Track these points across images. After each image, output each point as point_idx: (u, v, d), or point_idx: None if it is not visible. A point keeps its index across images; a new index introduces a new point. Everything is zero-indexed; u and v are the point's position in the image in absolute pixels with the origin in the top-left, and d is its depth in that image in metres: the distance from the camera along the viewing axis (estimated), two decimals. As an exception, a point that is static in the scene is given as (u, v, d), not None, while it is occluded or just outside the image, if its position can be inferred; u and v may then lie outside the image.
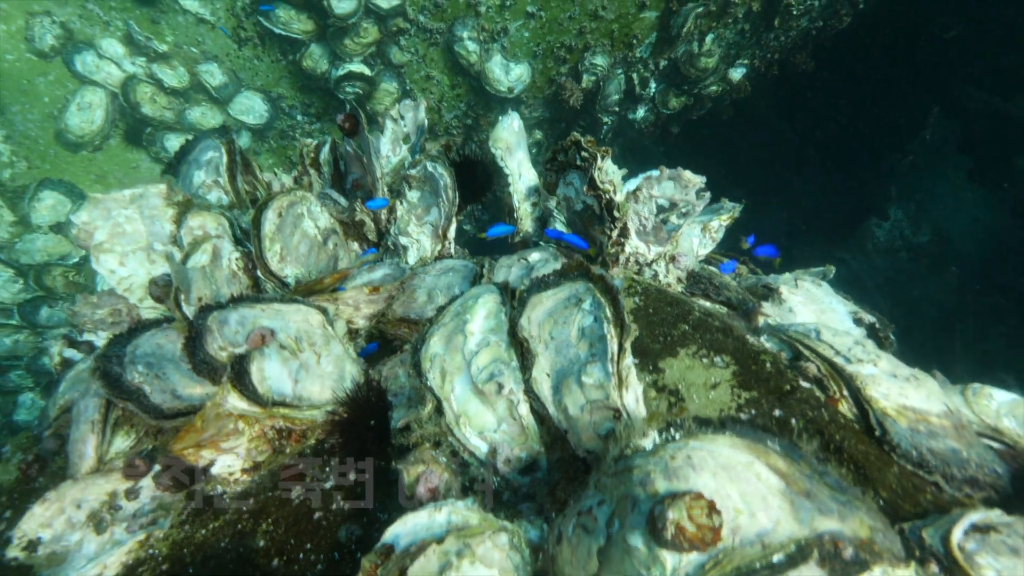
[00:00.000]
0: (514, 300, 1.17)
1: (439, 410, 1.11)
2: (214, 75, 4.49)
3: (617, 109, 5.30)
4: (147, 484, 1.44)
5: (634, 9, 4.59)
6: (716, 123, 6.35)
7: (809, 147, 8.33)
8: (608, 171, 1.47)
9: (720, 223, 1.80)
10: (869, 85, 6.90)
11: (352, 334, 1.50)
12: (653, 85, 5.27)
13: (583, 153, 1.49)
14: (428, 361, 1.15)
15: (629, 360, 0.99)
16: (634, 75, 5.04)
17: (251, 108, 4.72)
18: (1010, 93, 5.40)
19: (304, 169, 1.81)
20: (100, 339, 1.94)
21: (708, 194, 2.17)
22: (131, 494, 1.41)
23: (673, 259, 1.60)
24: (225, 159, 1.75)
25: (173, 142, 4.44)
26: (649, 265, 1.61)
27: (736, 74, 5.43)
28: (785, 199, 9.66)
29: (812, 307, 1.49)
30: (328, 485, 1.25)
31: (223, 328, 1.30)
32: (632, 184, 2.33)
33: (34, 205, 3.91)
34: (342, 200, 1.71)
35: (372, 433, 1.24)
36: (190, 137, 1.85)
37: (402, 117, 1.82)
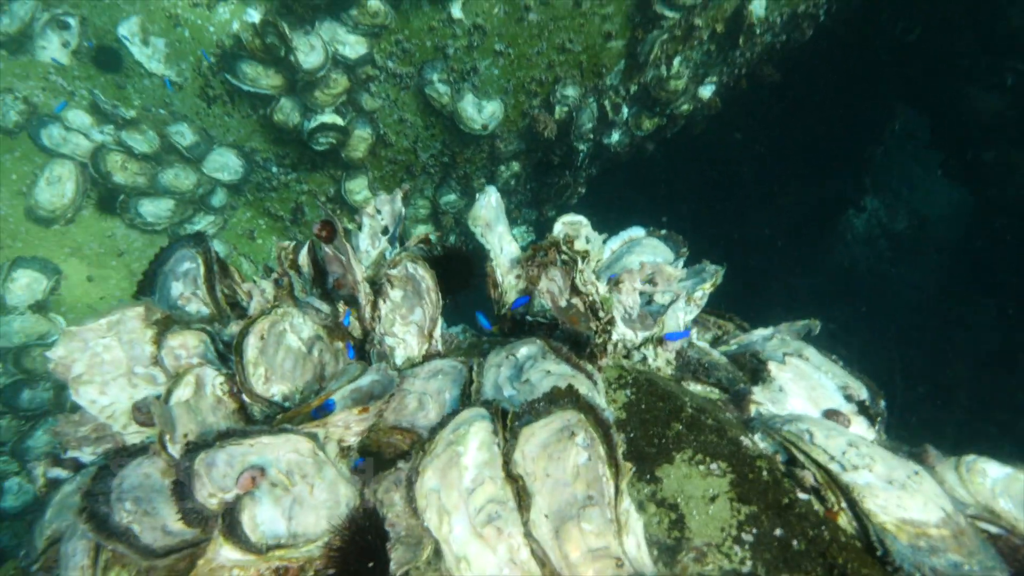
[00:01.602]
0: (506, 428, 1.16)
1: (438, 552, 1.09)
2: (184, 135, 4.45)
3: (592, 136, 5.34)
4: (144, 628, 1.40)
5: (600, 40, 4.63)
6: (690, 138, 6.41)
7: (783, 149, 8.45)
8: (589, 275, 1.47)
9: (704, 292, 1.80)
10: (836, 88, 7.02)
11: (344, 451, 1.48)
12: (626, 110, 5.31)
13: (563, 256, 1.49)
14: (424, 499, 1.14)
15: (627, 503, 0.98)
16: (606, 102, 5.08)
17: (225, 165, 4.68)
18: (972, 90, 5.51)
19: (284, 271, 1.79)
20: (85, 455, 1.90)
21: (686, 251, 2.18)
22: (129, 641, 1.37)
23: (661, 342, 1.60)
24: (202, 270, 1.72)
25: (148, 207, 4.39)
26: (638, 349, 1.60)
27: (706, 92, 5.49)
28: (764, 200, 9.79)
29: (802, 384, 1.50)
30: (331, 626, 1.23)
31: (211, 471, 1.27)
32: (614, 243, 2.34)
33: (8, 286, 3.84)
34: (324, 307, 1.70)
35: (372, 569, 1.22)
36: (164, 245, 1.82)
37: (379, 212, 1.81)
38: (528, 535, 1.03)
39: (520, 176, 5.64)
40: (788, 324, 2.03)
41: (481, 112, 4.78)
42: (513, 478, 1.08)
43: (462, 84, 4.66)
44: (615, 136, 5.58)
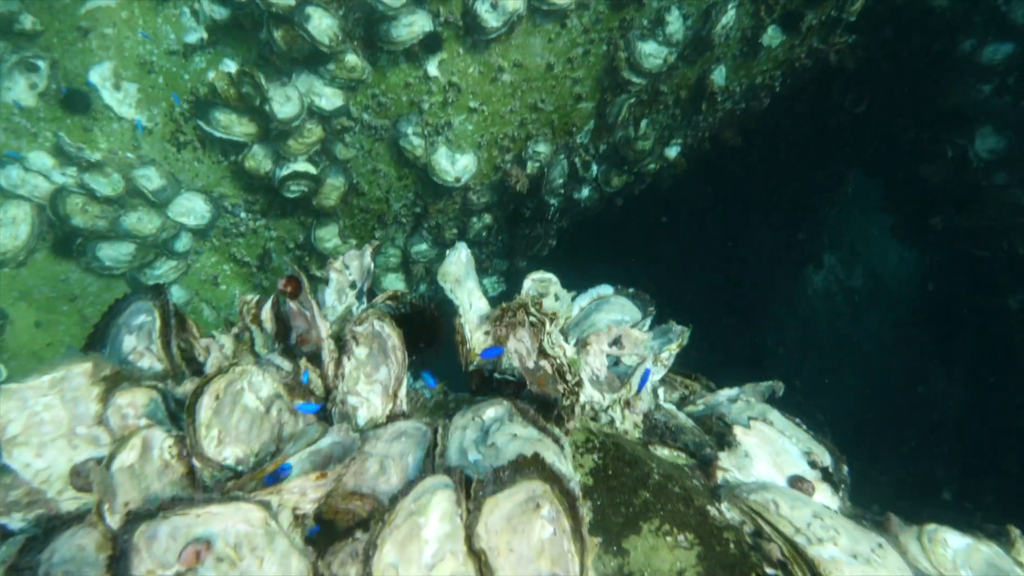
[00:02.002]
0: (469, 498, 1.12)
1: (395, 636, 1.03)
2: (151, 179, 4.39)
3: (563, 191, 5.48)
4: None
5: (571, 101, 4.82)
6: (658, 194, 6.64)
7: (746, 209, 8.81)
8: (557, 338, 1.47)
9: (670, 352, 1.82)
10: (793, 152, 7.43)
11: (299, 519, 1.41)
12: (595, 167, 5.49)
13: (531, 318, 1.50)
14: (381, 575, 1.07)
15: (592, 583, 0.95)
16: (576, 159, 5.24)
17: (192, 209, 4.61)
18: (918, 160, 5.91)
19: (245, 326, 1.74)
20: (14, 521, 1.75)
21: (654, 310, 2.21)
22: None
23: (628, 404, 1.60)
24: (158, 323, 1.66)
25: (106, 250, 4.27)
26: (605, 411, 1.59)
27: (672, 152, 5.74)
28: (729, 254, 10.11)
29: (767, 449, 1.51)
30: None
31: (152, 545, 1.18)
32: (582, 300, 2.36)
33: (-52, 330, 3.63)
34: (285, 365, 1.65)
35: (323, 655, 1.13)
36: (119, 297, 1.76)
37: (347, 266, 1.79)
38: (490, 617, 0.98)
39: (492, 228, 5.71)
40: (753, 385, 2.06)
41: (454, 165, 4.87)
42: (476, 553, 1.04)
43: (436, 138, 4.75)
44: (585, 191, 5.74)
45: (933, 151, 5.70)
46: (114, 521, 1.26)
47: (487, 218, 5.59)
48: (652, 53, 4.48)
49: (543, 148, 4.99)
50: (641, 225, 8.33)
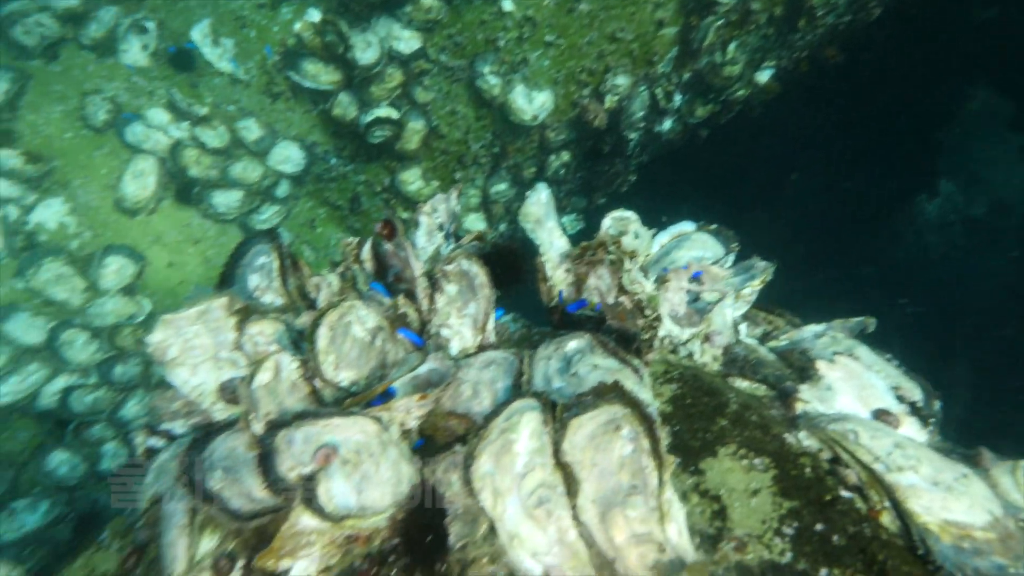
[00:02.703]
0: (555, 419, 1.25)
1: (492, 529, 1.20)
2: (251, 130, 4.71)
3: (643, 125, 5.29)
4: (232, 584, 1.58)
5: (652, 28, 4.57)
6: (746, 123, 6.23)
7: (847, 134, 8.07)
8: (636, 274, 1.52)
9: (752, 289, 1.82)
10: (906, 69, 6.64)
11: (405, 433, 1.61)
12: (678, 97, 5.23)
13: (610, 256, 1.55)
14: (479, 480, 1.24)
15: (669, 493, 1.05)
16: (658, 90, 5.01)
17: (288, 157, 4.92)
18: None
19: (348, 266, 1.93)
20: (177, 427, 2.12)
21: (737, 246, 2.19)
22: (219, 594, 1.56)
23: (708, 338, 1.64)
24: (276, 264, 1.88)
25: (219, 198, 4.69)
26: (684, 344, 1.65)
27: (763, 76, 5.33)
28: (825, 185, 9.38)
29: (851, 383, 1.51)
30: (396, 592, 1.36)
31: (291, 447, 1.42)
32: (663, 237, 2.36)
33: (101, 271, 4.21)
34: (386, 300, 1.82)
35: (432, 542, 1.34)
36: (240, 240, 1.99)
37: (435, 210, 1.91)
38: (576, 518, 1.12)
39: (570, 165, 5.65)
40: (842, 321, 2.02)
41: (531, 103, 4.83)
42: (562, 465, 1.16)
43: (512, 76, 4.71)
44: (667, 124, 5.50)
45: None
46: (258, 428, 1.51)
47: (565, 156, 5.53)
48: (744, -34, 4.11)
49: (622, 80, 4.81)
50: (728, 156, 7.87)
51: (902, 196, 10.32)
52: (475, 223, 5.86)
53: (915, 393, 1.56)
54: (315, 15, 4.41)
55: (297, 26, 4.42)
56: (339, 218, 5.58)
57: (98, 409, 4.14)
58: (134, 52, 4.42)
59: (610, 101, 4.91)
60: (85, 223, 4.28)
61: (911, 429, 1.44)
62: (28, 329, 3.95)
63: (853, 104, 7.42)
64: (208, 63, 4.54)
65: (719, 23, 4.41)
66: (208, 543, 1.60)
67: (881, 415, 1.45)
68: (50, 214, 4.17)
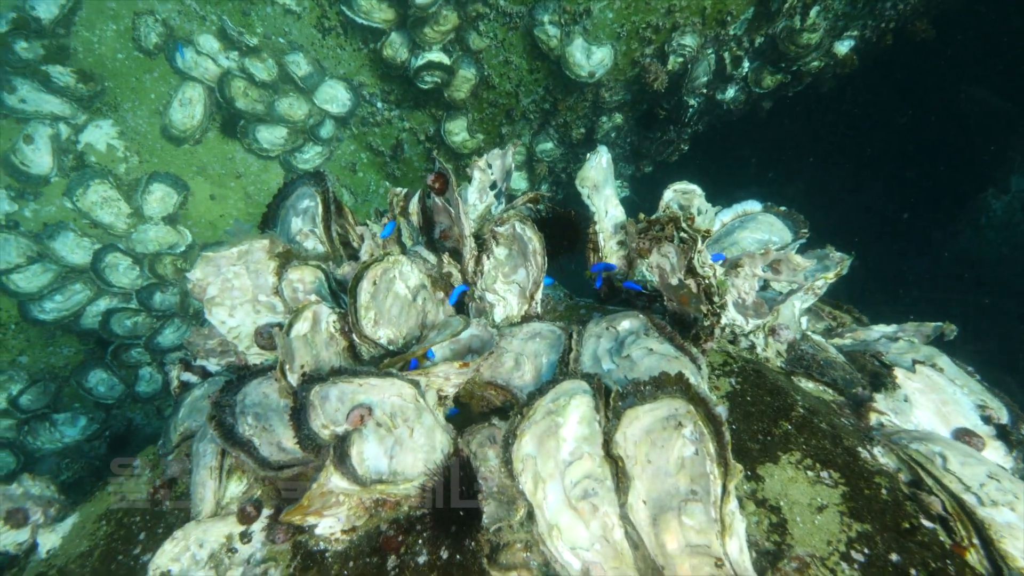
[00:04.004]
0: (608, 407, 1.15)
1: (531, 515, 1.13)
2: (300, 65, 4.59)
3: (705, 90, 4.97)
4: (257, 529, 1.57)
5: (731, -16, 4.21)
6: (814, 98, 5.83)
7: (922, 116, 7.50)
8: (707, 256, 1.38)
9: (825, 281, 1.67)
10: (1001, 50, 6.05)
11: (441, 400, 1.54)
12: (747, 64, 4.88)
13: (681, 234, 1.41)
14: (520, 462, 1.16)
15: (734, 504, 0.95)
16: (726, 54, 4.68)
17: (334, 97, 4.81)
18: None
19: (393, 216, 1.83)
20: (211, 364, 2.11)
21: (807, 232, 2.01)
22: (244, 537, 1.55)
23: (773, 331, 1.51)
24: (320, 209, 1.80)
25: (264, 133, 4.63)
26: (746, 336, 1.52)
27: (843, 47, 4.92)
28: (890, 171, 8.85)
29: (932, 397, 1.37)
30: (421, 560, 1.32)
31: (325, 404, 1.36)
32: (725, 215, 2.20)
33: (146, 198, 4.23)
34: (431, 257, 1.73)
35: (463, 517, 1.28)
36: (287, 180, 1.91)
37: (490, 166, 1.79)
38: (624, 517, 1.04)
39: (622, 128, 5.40)
40: (915, 324, 1.85)
41: (589, 58, 4.56)
42: (613, 458, 1.08)
43: (573, 27, 4.43)
44: (730, 92, 5.17)
45: None
46: (293, 379, 1.47)
47: (618, 118, 5.27)
48: (843, -80, 3.71)
49: (689, 40, 4.49)
50: (789, 132, 7.43)
51: (969, 189, 9.66)
52: (518, 182, 5.69)
53: (1002, 413, 1.42)
54: (372, -54, 4.19)
55: (353, -43, 4.22)
56: (380, 164, 5.48)
57: (137, 333, 4.24)
58: (187, -26, 4.29)
59: (673, 62, 4.61)
60: (132, 147, 4.28)
61: (996, 454, 1.31)
62: (74, 249, 4.02)
63: (934, 85, 6.86)
64: (260, -10, 4.40)
65: (805, -16, 4.03)
66: (235, 488, 1.59)
67: (963, 436, 1.32)
68: (100, 135, 4.17)
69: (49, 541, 1.88)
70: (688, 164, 6.33)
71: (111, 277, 4.09)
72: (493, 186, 1.84)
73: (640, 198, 6.79)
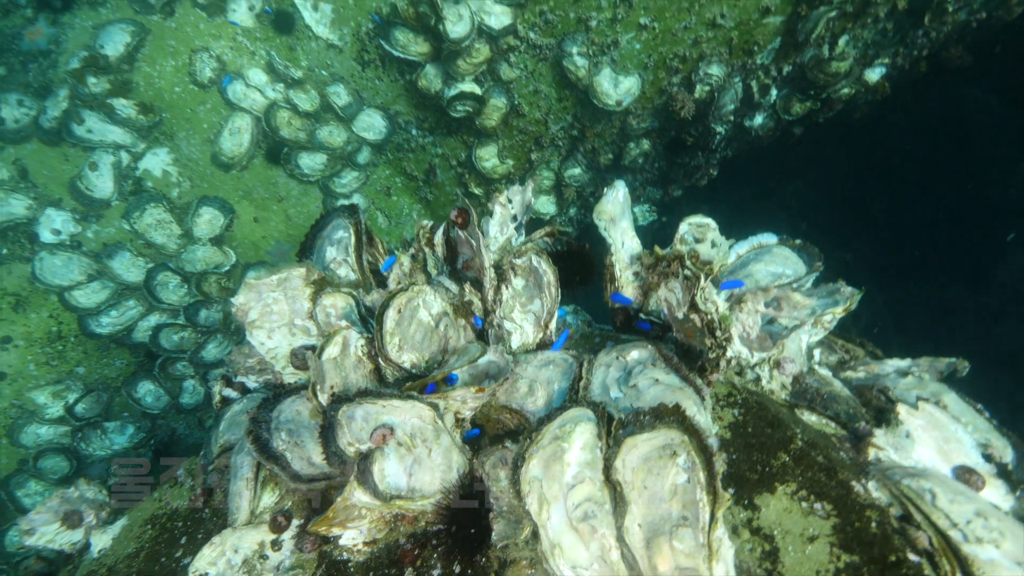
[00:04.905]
0: (610, 434, 1.23)
1: (535, 534, 1.21)
2: (340, 96, 4.85)
3: (732, 118, 5.02)
4: (287, 537, 1.70)
5: (756, 15, 4.29)
6: (846, 124, 5.80)
7: (960, 143, 7.34)
8: (710, 292, 1.46)
9: (834, 316, 1.71)
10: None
11: (459, 422, 1.64)
12: (774, 91, 4.92)
13: (686, 271, 1.49)
14: (527, 484, 1.25)
15: (721, 531, 1.02)
16: (753, 83, 4.73)
17: (372, 125, 5.05)
18: None
19: (420, 247, 1.97)
20: (250, 381, 2.27)
21: (821, 266, 2.06)
22: (275, 545, 1.68)
23: (778, 364, 1.56)
24: (353, 240, 1.95)
25: (305, 160, 4.89)
26: (752, 368, 1.58)
27: (873, 75, 4.91)
28: (925, 197, 8.64)
29: (934, 434, 1.40)
30: (436, 574, 1.41)
31: (351, 423, 1.48)
32: (741, 247, 2.26)
33: (195, 220, 4.52)
34: (453, 287, 1.85)
35: (474, 535, 1.37)
36: (323, 212, 2.07)
37: (510, 201, 1.91)
38: (620, 539, 1.11)
39: (649, 154, 5.48)
40: (929, 359, 1.87)
41: (617, 87, 4.68)
42: (612, 483, 1.16)
43: (600, 58, 4.57)
44: (758, 119, 5.20)
45: None
46: (323, 399, 1.59)
47: (645, 144, 5.36)
48: (870, -46, 3.76)
49: (716, 70, 4.57)
50: (820, 158, 7.36)
51: (1013, 214, 9.32)
52: (546, 205, 5.82)
53: (1006, 452, 1.44)
54: (411, -15, 4.43)
55: (393, -5, 4.47)
56: (414, 188, 5.69)
57: (183, 347, 4.50)
58: (241, 12, 4.62)
59: (700, 91, 4.69)
60: (185, 173, 4.59)
61: (997, 493, 1.33)
62: (130, 267, 4.32)
63: (973, 111, 6.72)
64: (307, 26, 4.69)
65: (831, 14, 4.07)
66: (269, 498, 1.73)
67: (964, 473, 1.34)
68: (156, 162, 4.50)
69: (101, 542, 2.04)
70: (717, 188, 6.35)
71: (162, 294, 4.37)
72: (514, 219, 1.96)
73: (669, 220, 6.83)
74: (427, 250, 1.97)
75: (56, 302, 4.22)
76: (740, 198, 7.43)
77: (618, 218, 2.05)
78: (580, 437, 1.25)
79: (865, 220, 8.10)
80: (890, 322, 6.79)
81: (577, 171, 5.56)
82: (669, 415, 1.18)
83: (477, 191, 5.70)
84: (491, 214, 1.91)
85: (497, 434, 1.71)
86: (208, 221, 4.56)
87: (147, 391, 4.45)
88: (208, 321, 4.51)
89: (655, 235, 6.84)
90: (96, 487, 2.25)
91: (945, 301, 9.13)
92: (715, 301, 1.45)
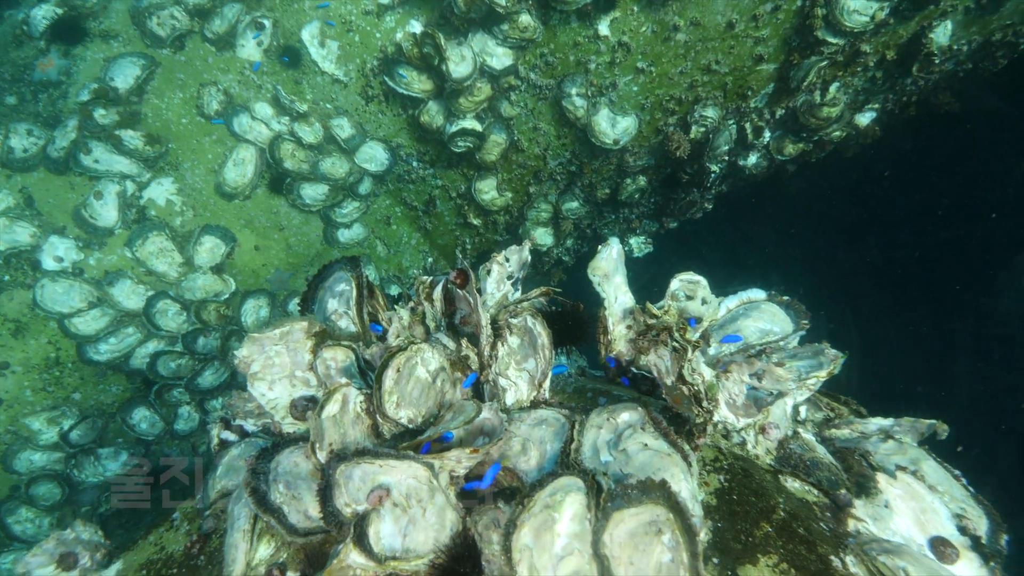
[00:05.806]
0: (599, 506, 1.28)
1: (526, 602, 1.25)
2: (344, 128, 4.96)
3: (726, 157, 5.14)
4: (282, 591, 1.72)
5: (750, 62, 4.43)
6: (839, 163, 5.93)
7: (952, 181, 7.49)
8: (697, 364, 1.52)
9: (818, 380, 1.77)
10: (1030, 121, 6.06)
11: (453, 480, 1.69)
12: (768, 133, 5.05)
13: (674, 343, 1.56)
14: (518, 552, 1.30)
15: (701, 612, 1.07)
16: (747, 125, 4.86)
17: (374, 157, 5.15)
18: None
19: (419, 302, 2.03)
20: (249, 425, 2.30)
21: (807, 323, 2.13)
22: (271, 599, 1.70)
23: (764, 429, 1.62)
24: (354, 293, 2.01)
25: (307, 190, 4.97)
26: (738, 432, 1.64)
27: (864, 119, 5.05)
28: (920, 233, 8.78)
29: (911, 505, 1.46)
30: (428, 635, 1.45)
31: (348, 484, 1.53)
32: (730, 302, 2.33)
33: (197, 248, 4.58)
34: (451, 344, 1.91)
35: (467, 597, 1.41)
36: (326, 264, 2.13)
37: (507, 260, 1.98)
38: (606, 614, 1.16)
39: (645, 190, 5.59)
40: (911, 420, 1.93)
41: (614, 127, 4.80)
42: (599, 557, 1.20)
43: (599, 99, 4.70)
44: (752, 159, 5.33)
45: None
46: (322, 456, 1.64)
47: (641, 180, 5.47)
48: (858, 9, 3.91)
49: (711, 112, 4.70)
50: (813, 194, 7.50)
51: (1009, 248, 9.46)
52: (544, 237, 5.91)
53: (981, 524, 1.49)
54: (417, 26, 4.57)
55: (399, 35, 4.60)
56: (413, 217, 5.78)
57: (180, 375, 4.53)
58: (250, 47, 4.74)
59: (696, 132, 4.81)
60: (189, 203, 4.66)
61: (971, 566, 1.38)
62: (130, 295, 4.36)
63: (962, 152, 6.88)
64: (313, 62, 4.81)
65: (822, 63, 4.21)
66: (264, 550, 1.76)
67: (939, 545, 1.40)
68: (161, 191, 4.57)
69: (95, 585, 2.06)
70: (712, 221, 6.46)
71: (161, 322, 4.41)
72: (510, 276, 2.02)
73: (665, 253, 6.92)
74: (426, 304, 2.03)
75: (55, 328, 4.26)
76: (734, 231, 7.55)
77: (612, 274, 2.12)
78: (570, 508, 1.30)
79: (856, 253, 8.22)
80: (890, 359, 6.88)
81: (575, 204, 5.67)
82: (655, 490, 1.23)
83: (476, 222, 5.79)
84: (489, 272, 1.97)
85: (491, 491, 1.75)
86: (210, 249, 4.62)
87: (142, 417, 4.47)
88: (206, 348, 4.55)
89: (650, 267, 6.92)
90: (92, 528, 2.27)
91: (941, 333, 9.20)
92: (702, 373, 1.51)
